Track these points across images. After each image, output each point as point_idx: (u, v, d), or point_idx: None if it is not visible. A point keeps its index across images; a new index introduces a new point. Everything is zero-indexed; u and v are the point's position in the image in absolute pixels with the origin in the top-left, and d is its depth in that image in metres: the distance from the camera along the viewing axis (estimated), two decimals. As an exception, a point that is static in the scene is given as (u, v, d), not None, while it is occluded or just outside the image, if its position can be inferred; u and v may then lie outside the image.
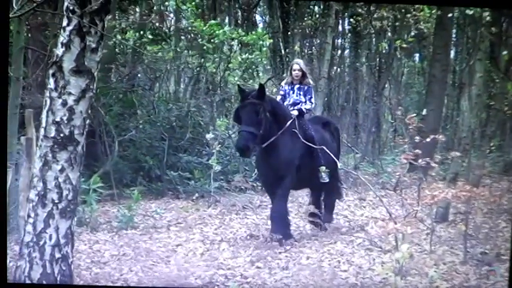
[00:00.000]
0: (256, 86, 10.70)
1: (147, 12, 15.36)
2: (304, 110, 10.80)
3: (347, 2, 17.37)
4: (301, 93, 10.93)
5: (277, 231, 9.92)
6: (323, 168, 10.53)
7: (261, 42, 14.03)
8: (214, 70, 15.11)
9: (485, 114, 13.69)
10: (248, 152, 10.02)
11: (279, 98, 11.07)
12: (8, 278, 6.71)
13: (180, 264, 8.73)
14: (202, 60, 15.32)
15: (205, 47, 15.04)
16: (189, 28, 15.53)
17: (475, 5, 10.43)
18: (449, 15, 13.33)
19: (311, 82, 11.25)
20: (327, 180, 10.64)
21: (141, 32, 14.03)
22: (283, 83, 11.34)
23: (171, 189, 14.01)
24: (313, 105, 11.30)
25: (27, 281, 6.42)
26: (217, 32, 14.26)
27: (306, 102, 10.88)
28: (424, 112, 11.86)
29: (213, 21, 14.41)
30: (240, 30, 14.87)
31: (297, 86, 10.96)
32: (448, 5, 13.39)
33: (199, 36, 14.94)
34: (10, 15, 6.58)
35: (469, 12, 11.84)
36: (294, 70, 10.95)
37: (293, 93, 10.97)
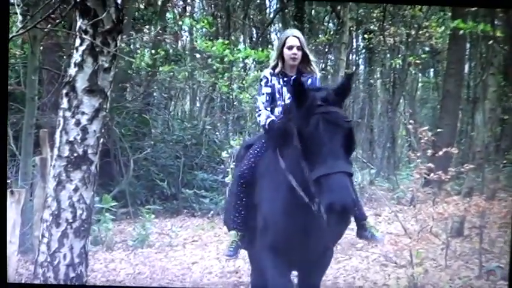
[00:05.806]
0: None
1: (161, 32, 15.41)
2: None
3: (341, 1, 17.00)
4: None
5: None
6: (370, 222, 5.94)
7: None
8: (225, 89, 14.99)
9: (499, 129, 13.62)
10: None
11: (263, 98, 6.07)
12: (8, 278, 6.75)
13: (195, 282, 8.75)
14: (214, 79, 15.29)
15: (215, 67, 14.97)
16: (200, 48, 15.50)
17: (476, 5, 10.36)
18: (460, 32, 13.22)
19: (317, 70, 6.23)
20: (382, 240, 6.47)
21: (154, 51, 14.10)
22: (267, 73, 6.16)
23: (186, 207, 14.01)
24: None
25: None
26: (225, 52, 13.87)
27: None
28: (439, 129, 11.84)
29: (220, 41, 14.28)
30: (249, 49, 14.65)
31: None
32: (448, 5, 13.28)
33: (210, 56, 14.93)
34: (12, 35, 6.63)
35: (480, 27, 11.75)
36: (291, 49, 5.99)
37: None
